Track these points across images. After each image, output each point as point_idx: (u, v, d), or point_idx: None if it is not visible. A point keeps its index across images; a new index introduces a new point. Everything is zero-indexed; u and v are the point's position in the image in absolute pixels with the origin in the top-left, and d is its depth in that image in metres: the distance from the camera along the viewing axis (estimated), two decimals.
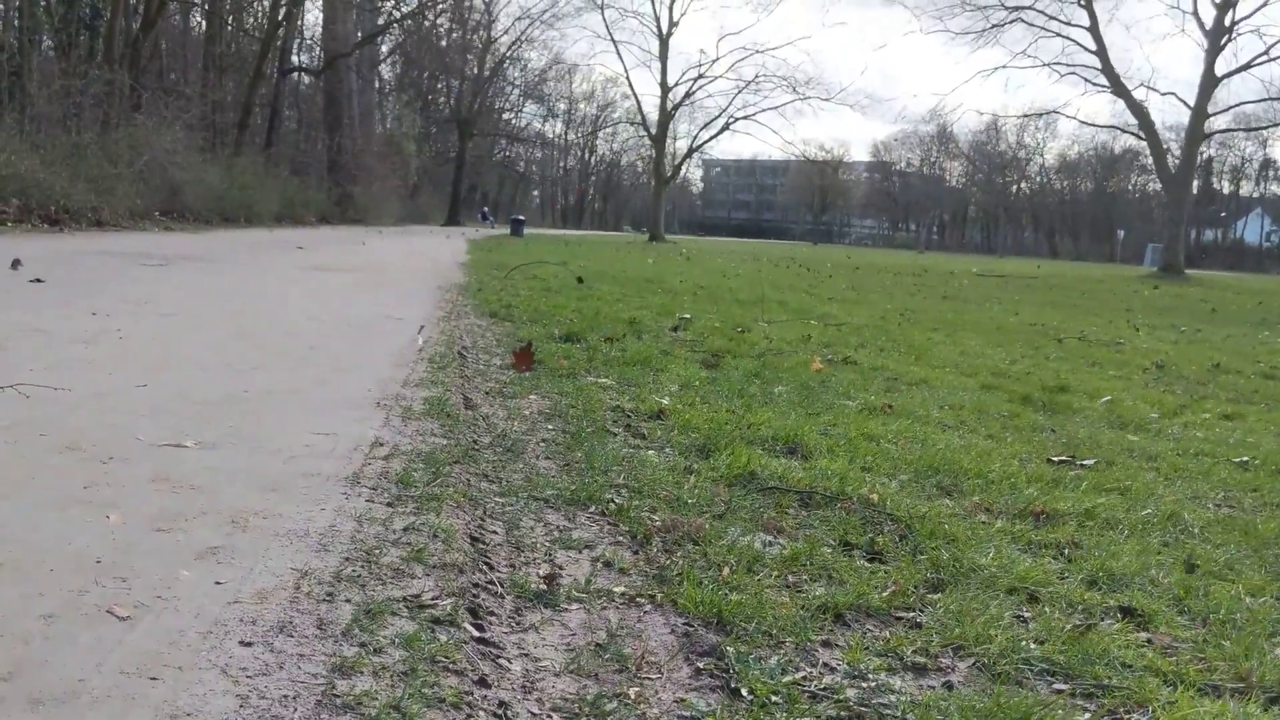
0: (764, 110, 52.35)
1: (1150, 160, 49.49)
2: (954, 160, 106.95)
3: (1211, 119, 37.66)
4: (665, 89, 51.67)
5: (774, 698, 1.91)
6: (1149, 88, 50.84)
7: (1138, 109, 37.47)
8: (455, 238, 30.88)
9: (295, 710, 1.62)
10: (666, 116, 52.68)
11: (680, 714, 1.82)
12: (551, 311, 8.37)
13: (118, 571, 2.13)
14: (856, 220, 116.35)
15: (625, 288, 12.08)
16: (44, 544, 2.27)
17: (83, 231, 17.03)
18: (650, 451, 3.73)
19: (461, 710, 1.70)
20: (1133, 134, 42.47)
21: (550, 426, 4.04)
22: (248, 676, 1.72)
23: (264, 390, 4.27)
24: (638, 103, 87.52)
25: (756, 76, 51.09)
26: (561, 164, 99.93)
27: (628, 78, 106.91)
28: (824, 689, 1.97)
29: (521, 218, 43.13)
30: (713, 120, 53.97)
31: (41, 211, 17.34)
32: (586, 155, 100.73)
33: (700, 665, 2.02)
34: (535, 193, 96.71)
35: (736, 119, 51.78)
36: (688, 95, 52.57)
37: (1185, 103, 36.70)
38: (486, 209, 64.63)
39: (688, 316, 8.79)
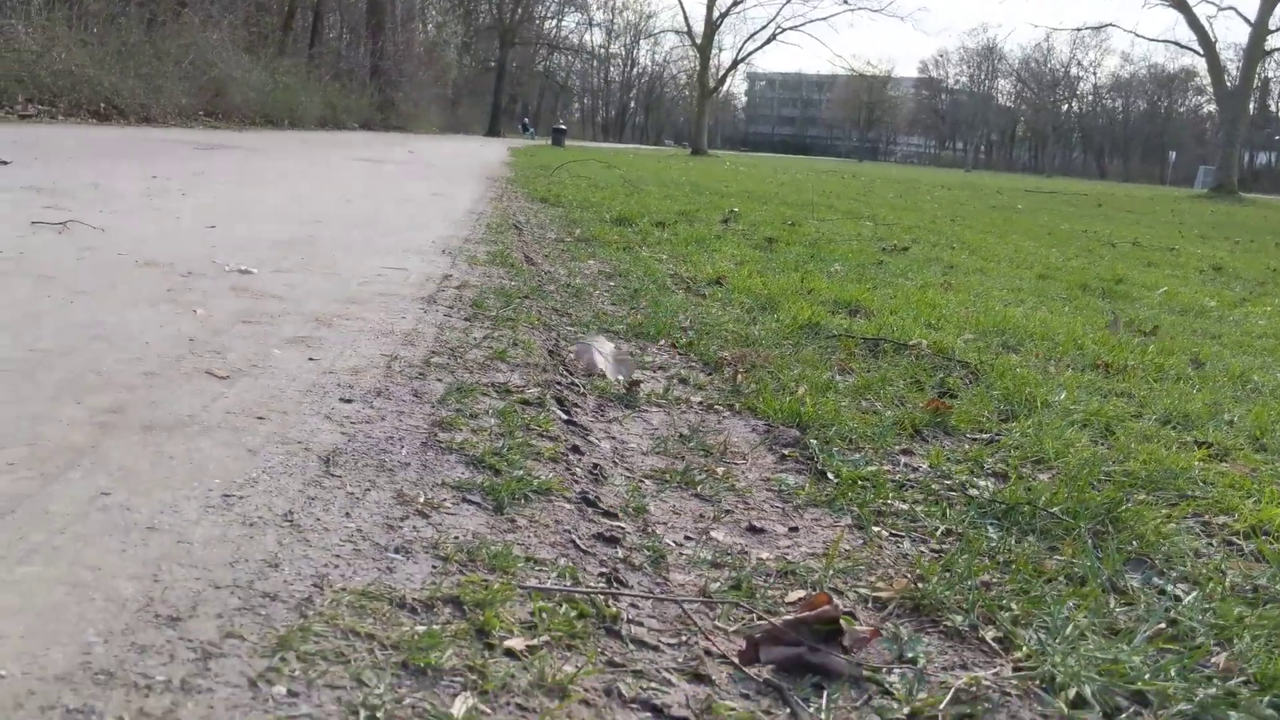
0: (812, 21, 50.99)
1: (1207, 80, 47.81)
2: (1003, 79, 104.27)
3: (1272, 34, 36.25)
4: None
5: (860, 482, 1.91)
6: (1209, 1, 48.89)
7: (1196, 24, 36.14)
8: (497, 145, 30.69)
9: (403, 448, 1.65)
10: (712, 26, 51.45)
11: (770, 489, 1.83)
12: (600, 203, 8.31)
13: (211, 347, 2.17)
14: (903, 138, 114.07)
15: (672, 190, 11.95)
16: (136, 328, 2.31)
17: (132, 126, 17.08)
18: (714, 306, 3.72)
19: (560, 464, 1.73)
20: (1191, 50, 41.08)
21: (612, 283, 4.04)
22: (351, 423, 1.75)
23: (330, 238, 4.29)
24: (683, 9, 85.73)
25: None
26: (602, 75, 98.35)
27: None
28: (909, 480, 1.98)
29: (563, 127, 42.60)
30: (759, 30, 52.68)
31: (90, 107, 17.38)
32: (628, 67, 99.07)
33: (785, 453, 2.04)
34: (576, 105, 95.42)
35: (784, 29, 50.53)
36: (735, 3, 51.28)
37: (1245, 18, 35.34)
38: (527, 119, 63.96)
39: (737, 210, 8.70)
